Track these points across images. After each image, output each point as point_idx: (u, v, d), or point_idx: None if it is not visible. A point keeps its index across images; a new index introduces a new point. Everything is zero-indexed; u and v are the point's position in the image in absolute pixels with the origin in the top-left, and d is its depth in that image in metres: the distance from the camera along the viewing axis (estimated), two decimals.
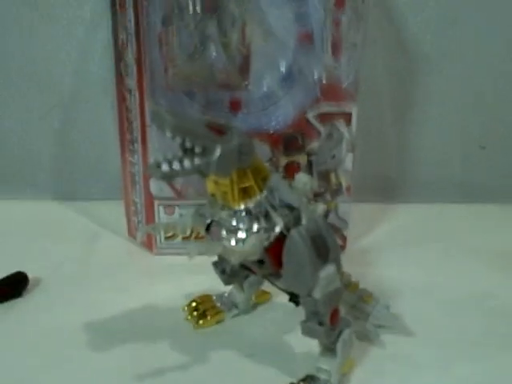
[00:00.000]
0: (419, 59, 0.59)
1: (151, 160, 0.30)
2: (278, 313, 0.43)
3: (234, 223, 0.33)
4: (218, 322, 0.42)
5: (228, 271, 0.39)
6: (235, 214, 0.33)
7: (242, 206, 0.33)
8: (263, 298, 0.44)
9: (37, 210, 0.61)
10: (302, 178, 0.35)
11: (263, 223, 0.33)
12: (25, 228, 0.57)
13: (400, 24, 0.57)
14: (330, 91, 0.48)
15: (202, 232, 0.35)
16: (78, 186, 0.64)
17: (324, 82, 0.47)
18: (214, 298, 0.42)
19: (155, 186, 0.49)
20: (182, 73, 0.47)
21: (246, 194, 0.33)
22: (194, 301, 0.42)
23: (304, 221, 0.33)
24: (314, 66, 0.47)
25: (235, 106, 0.48)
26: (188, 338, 0.40)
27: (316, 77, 0.47)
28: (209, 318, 0.41)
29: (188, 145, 0.30)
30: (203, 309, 0.41)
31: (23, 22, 0.56)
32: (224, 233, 0.33)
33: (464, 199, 0.65)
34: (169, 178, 0.31)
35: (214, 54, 0.46)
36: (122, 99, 0.49)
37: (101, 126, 0.60)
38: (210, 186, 0.33)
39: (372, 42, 0.57)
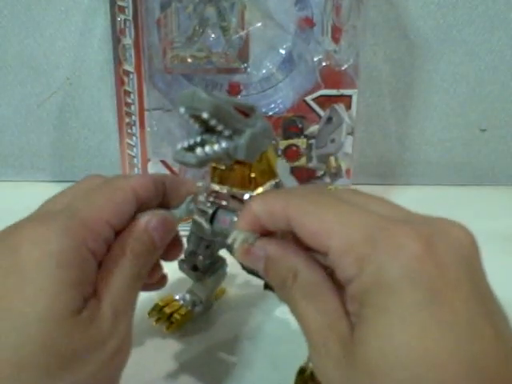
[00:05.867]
0: (420, 45, 0.58)
1: (178, 145, 0.28)
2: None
3: None
4: (187, 321, 0.39)
5: (201, 267, 0.37)
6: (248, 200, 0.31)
7: (260, 190, 0.31)
8: (221, 292, 0.43)
9: (35, 192, 0.61)
10: (279, 163, 0.35)
11: None
12: (23, 211, 0.56)
13: (401, 9, 0.57)
14: (330, 75, 0.47)
15: (205, 223, 0.33)
16: (77, 169, 0.63)
17: (324, 65, 0.47)
18: (177, 297, 0.40)
19: (153, 169, 0.49)
20: (181, 56, 0.47)
21: (262, 178, 0.32)
22: (157, 305, 0.40)
23: None
24: (313, 50, 0.47)
25: (234, 89, 0.48)
26: None
27: (316, 61, 0.47)
28: (178, 320, 0.39)
29: (220, 127, 0.28)
30: (169, 311, 0.39)
31: (20, 7, 0.56)
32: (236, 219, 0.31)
33: (465, 182, 0.65)
34: (203, 163, 0.28)
35: (213, 36, 0.46)
36: (120, 83, 0.49)
37: (100, 111, 0.60)
38: (218, 173, 0.32)
39: (372, 28, 0.57)
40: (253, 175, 0.31)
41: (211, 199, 0.32)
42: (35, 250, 0.23)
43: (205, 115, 0.27)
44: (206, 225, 0.33)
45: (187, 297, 0.40)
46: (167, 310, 0.39)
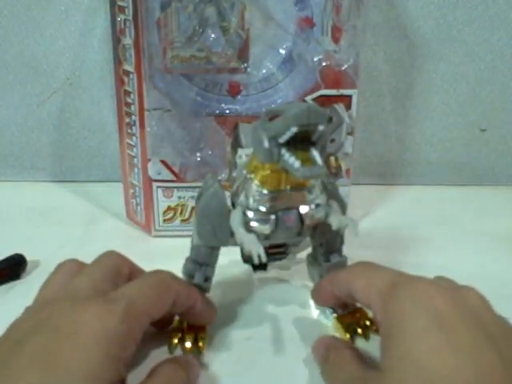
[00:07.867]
0: (420, 45, 0.58)
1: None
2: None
3: (315, 198, 0.34)
4: None
5: (211, 277, 0.38)
6: (310, 191, 0.34)
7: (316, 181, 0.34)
8: None
9: (35, 192, 0.61)
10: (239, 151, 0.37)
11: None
12: (23, 211, 0.57)
13: (401, 9, 0.57)
14: (330, 75, 0.47)
15: (266, 231, 0.34)
16: (77, 169, 0.64)
17: (324, 65, 0.47)
18: None
19: (153, 169, 0.49)
20: (181, 56, 0.47)
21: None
22: None
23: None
24: (313, 50, 0.47)
25: (234, 89, 0.48)
26: None
27: (316, 61, 0.47)
28: None
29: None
30: None
31: (20, 7, 0.56)
32: (310, 208, 0.34)
33: (465, 182, 0.65)
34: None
35: (213, 36, 0.46)
36: (120, 83, 0.49)
37: (100, 111, 0.60)
38: (274, 180, 0.33)
39: (372, 28, 0.57)
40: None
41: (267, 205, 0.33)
42: (97, 324, 0.27)
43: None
44: (267, 230, 0.34)
45: None
46: None
